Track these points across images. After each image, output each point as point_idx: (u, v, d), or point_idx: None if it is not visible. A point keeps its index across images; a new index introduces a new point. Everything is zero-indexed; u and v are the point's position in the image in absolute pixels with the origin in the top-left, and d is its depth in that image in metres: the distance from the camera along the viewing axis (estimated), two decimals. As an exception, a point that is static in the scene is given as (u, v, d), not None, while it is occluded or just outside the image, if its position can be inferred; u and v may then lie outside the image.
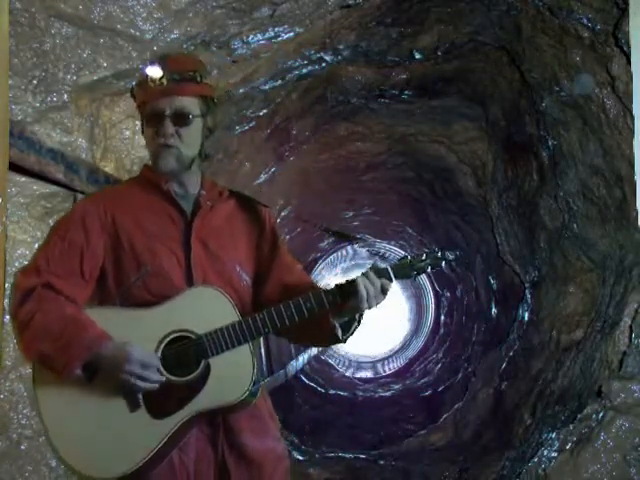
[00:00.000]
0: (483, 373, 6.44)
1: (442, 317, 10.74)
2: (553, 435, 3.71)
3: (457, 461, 5.30)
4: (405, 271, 1.73)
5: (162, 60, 1.77)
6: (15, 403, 2.23)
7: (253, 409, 1.79)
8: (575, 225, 4.21)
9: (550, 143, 4.22)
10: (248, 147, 4.72)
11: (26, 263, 2.29)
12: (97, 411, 1.67)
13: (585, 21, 3.28)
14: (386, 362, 13.34)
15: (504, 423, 5.08)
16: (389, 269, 1.71)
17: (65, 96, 2.33)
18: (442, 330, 10.49)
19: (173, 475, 1.71)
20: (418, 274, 1.75)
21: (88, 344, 1.62)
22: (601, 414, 3.38)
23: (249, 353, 1.69)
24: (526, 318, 5.50)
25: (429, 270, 1.75)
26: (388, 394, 9.24)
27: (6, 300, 2.20)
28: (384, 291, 1.69)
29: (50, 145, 2.23)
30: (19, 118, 2.17)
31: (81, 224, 1.76)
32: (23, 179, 2.26)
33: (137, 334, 1.68)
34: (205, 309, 1.70)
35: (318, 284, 1.94)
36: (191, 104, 1.76)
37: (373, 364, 13.42)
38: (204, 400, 1.66)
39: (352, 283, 1.69)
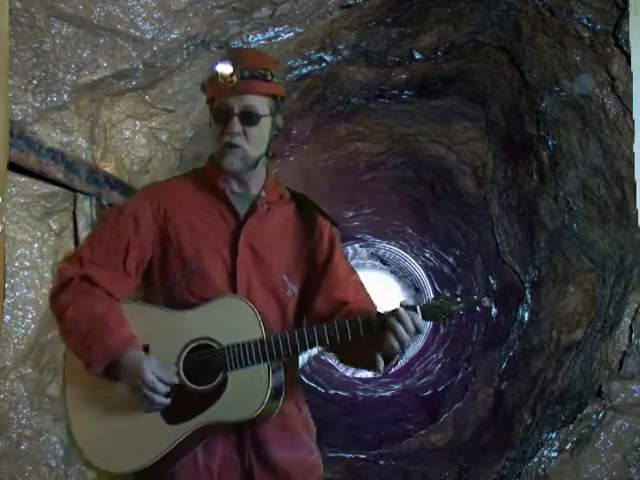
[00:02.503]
0: (483, 373, 6.43)
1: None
2: (553, 435, 3.71)
3: (457, 461, 5.30)
4: (434, 312, 1.61)
5: (234, 56, 1.71)
6: (15, 403, 2.23)
7: (283, 419, 1.75)
8: (575, 225, 4.21)
9: (550, 143, 4.22)
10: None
11: (26, 263, 2.30)
12: (115, 406, 1.69)
13: (585, 21, 3.28)
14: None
15: (504, 423, 5.08)
16: (418, 308, 1.59)
17: (65, 96, 2.33)
18: (442, 330, 10.49)
19: (197, 478, 1.70)
20: (448, 317, 1.62)
21: (109, 350, 1.62)
22: (601, 414, 3.38)
23: (266, 373, 1.63)
24: (526, 318, 5.50)
25: (461, 312, 1.62)
26: (388, 394, 9.23)
27: (6, 300, 2.20)
28: (418, 330, 1.58)
29: (50, 145, 2.23)
30: (19, 118, 2.17)
31: (132, 217, 1.74)
32: (23, 179, 2.26)
33: (165, 337, 1.68)
34: (232, 321, 1.66)
35: (369, 301, 1.83)
36: (260, 103, 1.70)
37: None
38: (216, 413, 1.64)
39: (380, 317, 1.60)
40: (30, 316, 2.28)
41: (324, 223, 1.84)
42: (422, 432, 6.42)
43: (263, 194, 1.79)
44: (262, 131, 1.73)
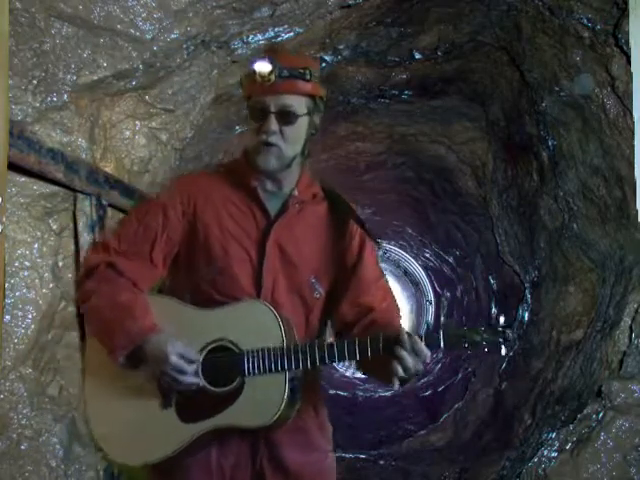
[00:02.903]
0: (483, 373, 6.44)
1: (442, 317, 10.73)
2: (553, 435, 3.70)
3: (457, 461, 5.30)
4: (455, 341, 1.57)
5: (272, 55, 1.67)
6: (15, 403, 2.23)
7: (298, 421, 1.73)
8: (575, 225, 4.21)
9: (550, 143, 4.22)
10: (248, 147, 4.71)
11: (26, 263, 2.30)
12: (132, 401, 1.69)
13: (585, 21, 3.28)
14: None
15: (504, 423, 5.08)
16: (440, 335, 1.56)
17: (65, 96, 2.33)
18: (442, 330, 10.48)
19: (209, 476, 1.71)
20: (470, 348, 1.58)
21: (132, 336, 1.62)
22: (601, 414, 3.38)
23: (284, 382, 1.61)
24: (526, 318, 5.50)
25: (483, 346, 1.56)
26: (388, 394, 9.23)
27: (6, 300, 2.20)
28: (421, 358, 1.54)
29: (50, 145, 2.23)
30: (19, 118, 2.17)
31: (162, 209, 1.73)
32: (23, 179, 2.26)
33: (187, 334, 1.66)
34: (254, 326, 1.65)
35: (394, 310, 1.79)
36: (298, 102, 1.67)
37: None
38: (230, 417, 1.63)
39: (397, 339, 1.56)
40: (30, 316, 2.28)
41: (354, 224, 1.80)
42: (422, 432, 6.43)
43: (295, 193, 1.76)
44: (299, 130, 1.70)
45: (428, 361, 1.55)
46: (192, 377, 1.61)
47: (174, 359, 1.58)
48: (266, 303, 1.66)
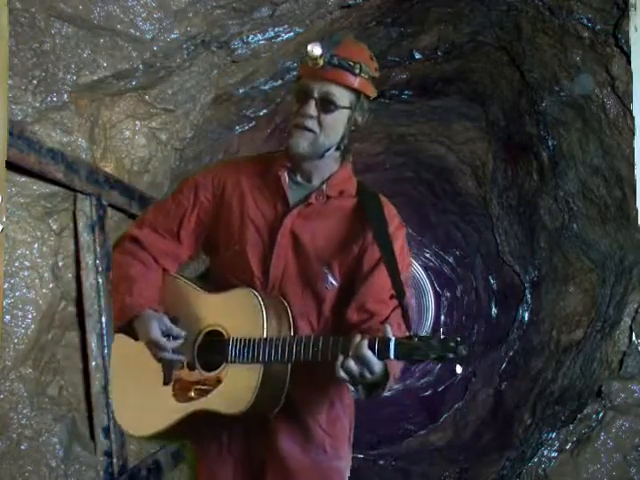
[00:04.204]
0: (483, 373, 6.44)
1: (442, 317, 10.74)
2: (553, 435, 3.71)
3: (457, 461, 5.30)
4: (406, 352, 1.43)
5: (329, 41, 1.66)
6: (15, 403, 2.23)
7: (296, 416, 1.74)
8: (575, 225, 4.21)
9: (550, 143, 4.22)
10: (248, 147, 4.71)
11: (26, 263, 2.30)
12: (141, 373, 1.77)
13: (585, 21, 3.28)
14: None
15: (504, 423, 5.08)
16: (391, 343, 1.43)
17: (65, 96, 2.33)
18: (442, 330, 10.49)
19: (222, 463, 1.78)
20: (420, 361, 1.45)
21: (125, 310, 1.72)
22: (601, 414, 3.38)
23: (258, 374, 1.62)
24: (526, 318, 5.51)
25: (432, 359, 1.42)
26: (388, 394, 9.24)
27: (6, 300, 2.20)
28: (371, 372, 1.44)
29: (50, 145, 2.23)
30: (19, 118, 2.17)
31: (194, 189, 1.80)
32: (23, 179, 2.26)
33: (191, 315, 1.74)
34: (241, 314, 1.67)
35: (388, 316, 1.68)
36: (341, 93, 1.65)
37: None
38: (211, 401, 1.66)
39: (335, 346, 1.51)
40: (30, 316, 2.28)
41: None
42: (422, 432, 6.43)
43: (323, 187, 1.74)
44: (337, 121, 1.68)
45: (377, 371, 1.44)
46: (172, 354, 1.69)
47: (155, 335, 1.66)
48: (255, 292, 1.67)
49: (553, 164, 4.28)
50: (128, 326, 1.74)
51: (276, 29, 3.08)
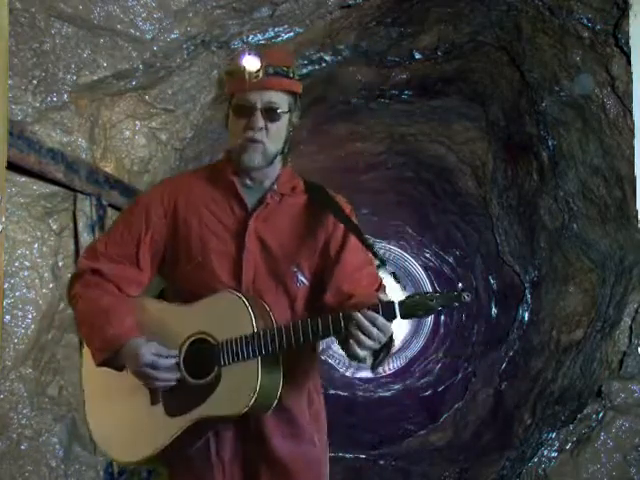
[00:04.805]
0: (483, 373, 6.44)
1: (442, 317, 10.73)
2: (553, 435, 3.71)
3: (457, 461, 5.30)
4: (410, 310, 1.53)
5: (259, 52, 1.69)
6: (15, 403, 2.23)
7: (285, 413, 1.76)
8: (575, 225, 4.21)
9: (550, 143, 4.22)
10: (248, 147, 4.71)
11: (26, 263, 2.30)
12: (125, 397, 1.73)
13: (585, 21, 3.28)
14: (386, 362, 13.31)
15: (504, 423, 5.08)
16: (395, 305, 1.51)
17: (65, 96, 2.33)
18: (442, 330, 10.49)
19: (210, 470, 1.75)
20: (426, 314, 1.55)
21: (110, 341, 1.67)
22: (601, 414, 3.38)
23: (256, 368, 1.63)
24: (526, 318, 5.50)
25: (439, 309, 1.53)
26: (388, 394, 9.24)
27: (6, 300, 2.20)
28: (382, 331, 1.51)
29: (50, 145, 2.23)
30: (19, 118, 2.17)
31: (144, 211, 1.77)
32: (23, 179, 2.26)
33: (168, 331, 1.71)
34: (226, 316, 1.68)
35: (378, 291, 1.73)
36: (281, 99, 1.70)
37: (373, 364, 13.37)
38: (211, 407, 1.65)
39: (339, 320, 1.56)
40: (30, 316, 2.28)
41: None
42: (422, 432, 6.42)
43: (275, 187, 1.78)
44: (281, 127, 1.72)
45: (390, 332, 1.53)
46: (166, 372, 1.66)
47: (147, 357, 1.63)
48: (235, 292, 1.68)
49: (553, 164, 4.28)
50: (114, 357, 1.68)
51: (276, 29, 3.08)
